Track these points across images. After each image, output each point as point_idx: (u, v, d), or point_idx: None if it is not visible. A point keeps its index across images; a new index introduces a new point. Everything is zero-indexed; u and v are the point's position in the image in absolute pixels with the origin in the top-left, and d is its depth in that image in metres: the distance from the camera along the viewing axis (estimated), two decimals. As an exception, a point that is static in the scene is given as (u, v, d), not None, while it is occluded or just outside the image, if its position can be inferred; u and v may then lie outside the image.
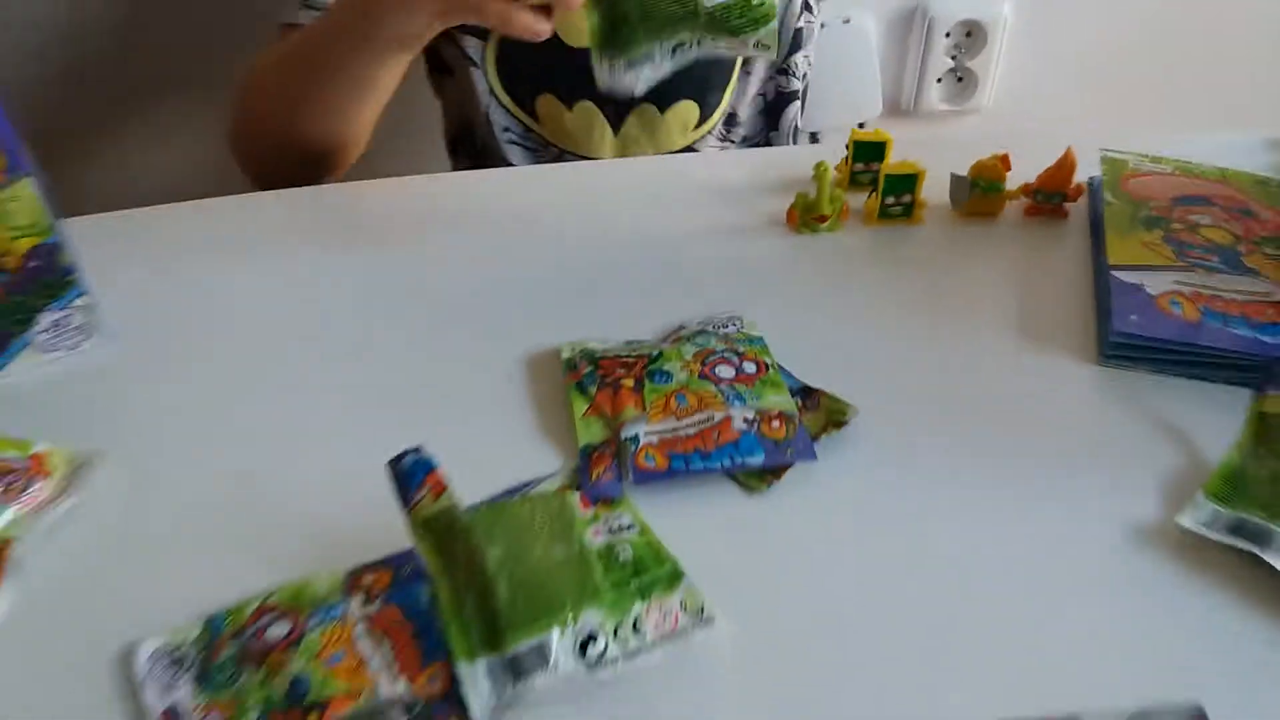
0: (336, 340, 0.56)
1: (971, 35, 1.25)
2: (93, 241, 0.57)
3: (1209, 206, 0.60)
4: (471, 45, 0.84)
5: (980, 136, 1.32)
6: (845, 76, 1.21)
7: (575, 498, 0.45)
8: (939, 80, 1.29)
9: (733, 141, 0.92)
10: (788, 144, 0.95)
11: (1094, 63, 1.30)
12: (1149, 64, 1.31)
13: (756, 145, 0.94)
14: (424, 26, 0.64)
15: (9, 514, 0.45)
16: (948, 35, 1.25)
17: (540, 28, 0.58)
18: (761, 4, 0.56)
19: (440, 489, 0.41)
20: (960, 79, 1.29)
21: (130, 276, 0.60)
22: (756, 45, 0.57)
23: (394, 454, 0.41)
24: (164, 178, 1.16)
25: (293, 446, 0.50)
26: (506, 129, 0.87)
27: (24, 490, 0.46)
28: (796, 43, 0.90)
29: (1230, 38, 1.30)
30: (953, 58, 1.27)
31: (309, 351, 0.56)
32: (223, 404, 0.52)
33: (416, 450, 0.41)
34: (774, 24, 0.57)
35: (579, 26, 0.81)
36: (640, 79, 0.58)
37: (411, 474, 0.41)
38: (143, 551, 0.45)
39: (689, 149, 0.88)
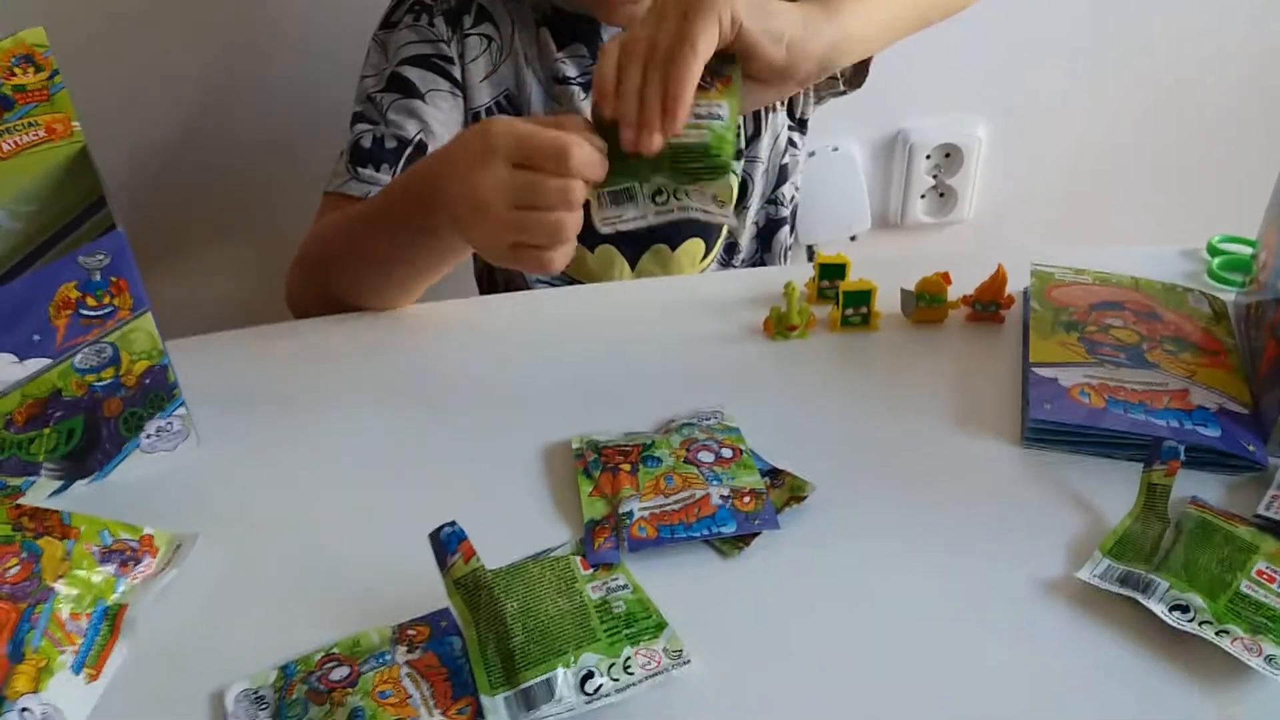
0: (386, 437, 0.67)
1: (950, 156, 1.38)
2: (188, 358, 0.69)
3: (1121, 311, 0.71)
4: None
5: (959, 247, 1.45)
6: (837, 196, 1.34)
7: (577, 560, 0.55)
8: (922, 196, 1.41)
9: (734, 265, 1.03)
10: (780, 263, 1.07)
11: (1059, 176, 1.43)
12: (1108, 177, 1.44)
13: (753, 265, 1.06)
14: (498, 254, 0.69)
15: (124, 584, 0.56)
16: (928, 157, 1.37)
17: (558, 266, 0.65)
18: (718, 155, 0.63)
19: (470, 554, 0.50)
20: (942, 195, 1.42)
21: (216, 387, 0.71)
22: (715, 200, 0.64)
23: (433, 527, 0.51)
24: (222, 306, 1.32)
25: (350, 525, 0.60)
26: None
27: (136, 565, 0.57)
28: (783, 175, 1.03)
29: (1178, 151, 1.43)
30: (933, 177, 1.40)
31: (363, 446, 0.66)
32: (291, 492, 0.63)
33: (452, 524, 0.51)
34: (729, 178, 0.64)
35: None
36: (624, 216, 0.65)
37: (447, 542, 0.51)
38: (230, 613, 0.55)
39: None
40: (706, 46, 0.60)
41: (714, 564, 0.56)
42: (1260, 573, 0.52)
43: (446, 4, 0.92)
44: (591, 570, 0.55)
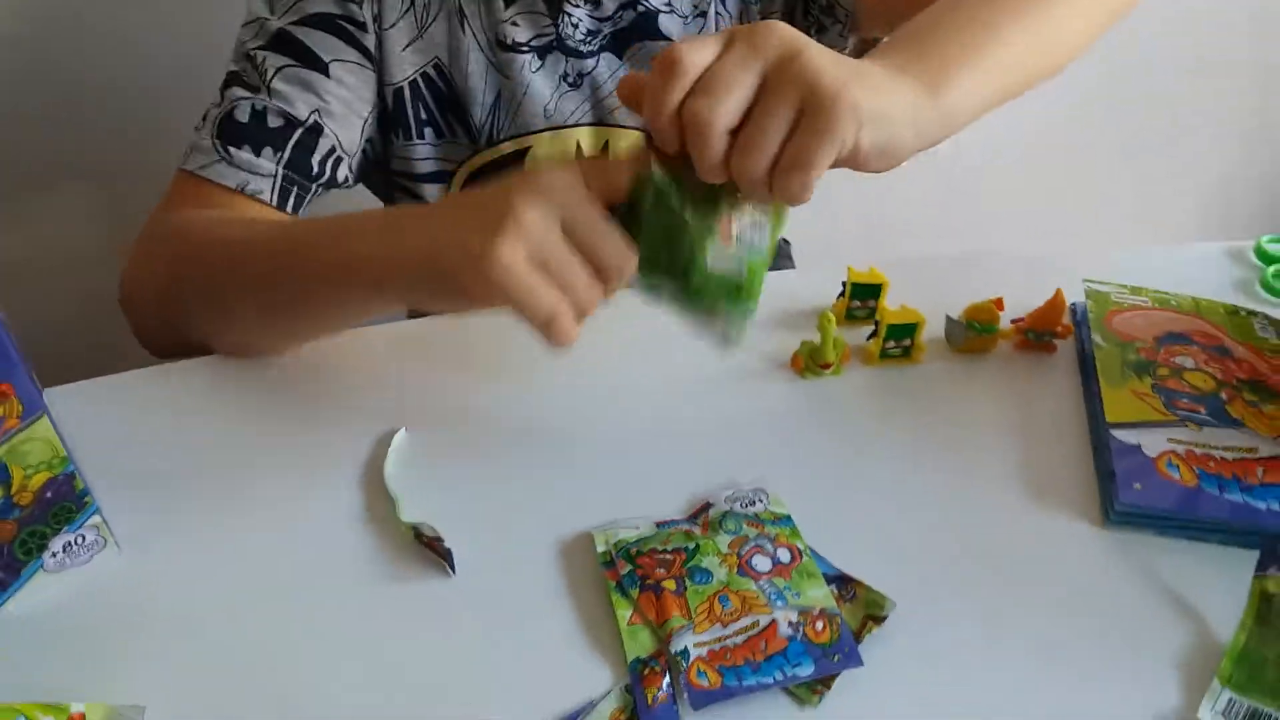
0: (346, 525, 0.55)
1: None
2: (74, 411, 0.54)
3: (1189, 345, 0.63)
4: None
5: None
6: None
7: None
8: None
9: None
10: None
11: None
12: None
13: None
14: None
15: (52, 782, 0.44)
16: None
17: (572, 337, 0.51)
18: (745, 297, 0.52)
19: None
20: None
21: (126, 463, 0.57)
22: (724, 334, 0.53)
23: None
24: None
25: (306, 649, 0.49)
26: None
27: (66, 755, 0.44)
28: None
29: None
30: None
31: (316, 536, 0.54)
32: (237, 603, 0.51)
33: None
34: (747, 321, 0.53)
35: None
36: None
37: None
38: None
39: None
40: (821, 171, 0.47)
41: (791, 714, 0.47)
42: (1395, 706, 0.47)
43: None
44: (650, 740, 0.46)
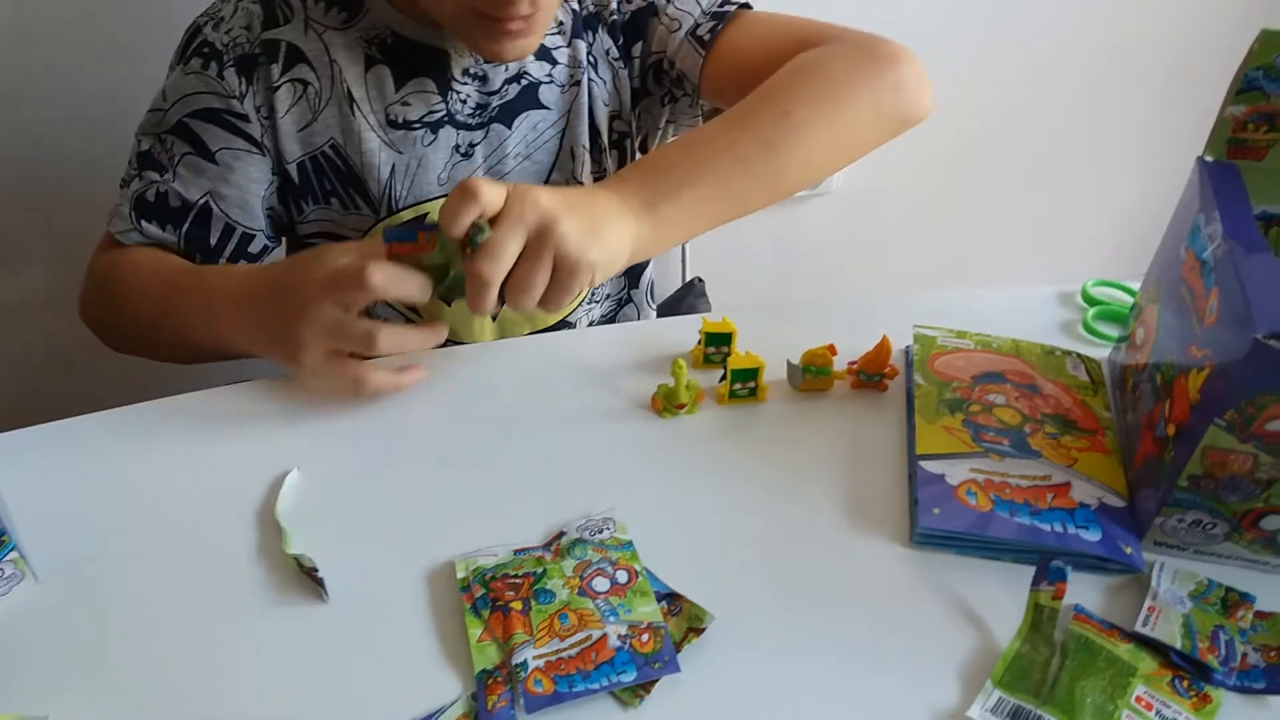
0: (239, 558, 0.62)
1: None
2: (6, 464, 0.63)
3: (1002, 384, 0.71)
4: None
5: (827, 224, 1.46)
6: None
7: (474, 741, 0.52)
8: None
9: (598, 302, 0.99)
10: (645, 300, 1.03)
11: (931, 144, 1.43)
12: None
13: (620, 302, 1.01)
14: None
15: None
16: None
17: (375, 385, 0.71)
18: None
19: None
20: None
21: (46, 502, 0.64)
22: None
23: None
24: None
25: (212, 668, 0.56)
26: (387, 320, 0.91)
27: (-22, 762, 0.51)
28: None
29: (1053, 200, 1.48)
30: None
31: (211, 566, 0.61)
32: (148, 630, 0.58)
33: None
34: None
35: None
36: None
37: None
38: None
39: (564, 321, 0.95)
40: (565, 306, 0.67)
41: (615, 716, 0.54)
42: (1139, 699, 0.54)
43: (241, 49, 0.80)
44: (486, 743, 0.53)
